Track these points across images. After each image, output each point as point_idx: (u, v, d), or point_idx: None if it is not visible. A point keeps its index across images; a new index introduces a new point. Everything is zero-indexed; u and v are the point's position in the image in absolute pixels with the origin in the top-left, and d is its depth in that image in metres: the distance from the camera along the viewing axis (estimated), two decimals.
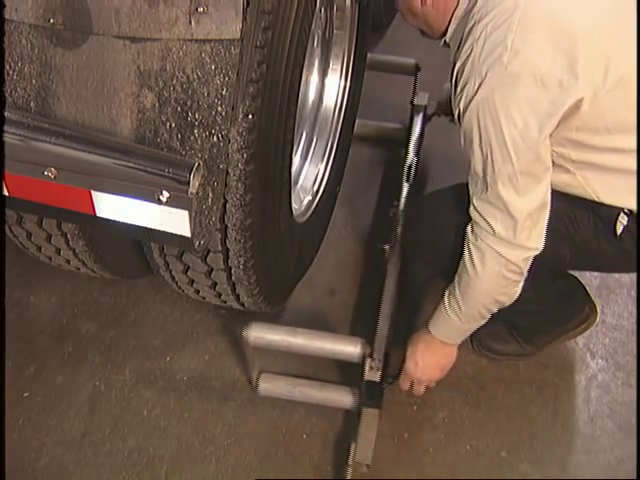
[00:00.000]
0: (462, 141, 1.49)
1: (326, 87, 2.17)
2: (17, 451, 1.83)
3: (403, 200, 2.18)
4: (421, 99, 2.50)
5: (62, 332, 2.10)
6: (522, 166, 1.42)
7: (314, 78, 2.15)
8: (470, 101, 1.42)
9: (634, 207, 1.53)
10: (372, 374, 1.74)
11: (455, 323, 1.65)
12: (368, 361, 1.74)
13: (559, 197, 1.58)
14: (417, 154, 2.33)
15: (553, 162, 1.51)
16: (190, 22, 1.14)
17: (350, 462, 1.75)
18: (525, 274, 1.56)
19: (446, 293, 1.65)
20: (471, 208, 1.53)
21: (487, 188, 1.46)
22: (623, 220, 1.55)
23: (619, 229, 1.55)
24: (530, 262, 1.54)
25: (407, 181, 2.25)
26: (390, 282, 1.97)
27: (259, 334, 1.78)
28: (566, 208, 1.59)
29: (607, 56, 1.40)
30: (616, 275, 2.22)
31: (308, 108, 2.15)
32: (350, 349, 1.78)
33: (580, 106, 1.40)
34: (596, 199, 1.55)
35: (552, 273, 1.84)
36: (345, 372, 1.96)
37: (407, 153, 2.33)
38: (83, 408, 1.93)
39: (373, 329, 1.84)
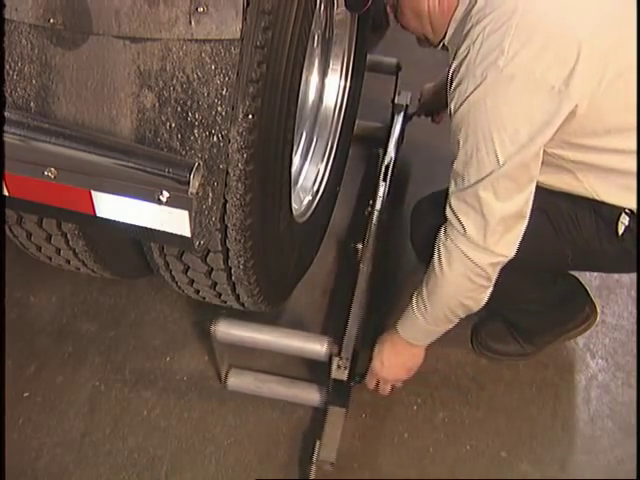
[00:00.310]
0: (451, 139, 1.48)
1: (326, 87, 2.17)
2: (17, 451, 1.84)
3: (379, 199, 2.17)
4: (403, 98, 2.48)
5: (62, 332, 2.10)
6: (506, 169, 1.40)
7: (314, 78, 2.15)
8: (463, 102, 1.40)
9: (635, 207, 1.52)
10: (339, 373, 1.74)
11: (421, 324, 1.64)
12: (336, 360, 1.74)
13: (561, 197, 1.57)
14: (396, 153, 2.31)
15: (553, 163, 1.50)
16: (190, 22, 1.14)
17: (314, 460, 1.75)
18: (493, 281, 1.53)
19: (415, 293, 1.64)
20: (447, 208, 1.51)
21: (467, 187, 1.44)
22: (624, 220, 1.54)
23: (620, 229, 1.55)
24: (499, 269, 1.52)
25: (384, 180, 2.23)
26: (362, 281, 1.96)
27: (226, 330, 1.78)
28: (568, 208, 1.59)
29: (606, 59, 1.38)
30: (616, 275, 2.22)
31: (308, 108, 2.15)
32: (317, 348, 1.78)
33: (576, 111, 1.38)
34: (597, 198, 1.54)
35: (553, 273, 1.84)
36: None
37: (385, 152, 2.31)
38: (83, 408, 1.93)
39: (342, 328, 1.83)
